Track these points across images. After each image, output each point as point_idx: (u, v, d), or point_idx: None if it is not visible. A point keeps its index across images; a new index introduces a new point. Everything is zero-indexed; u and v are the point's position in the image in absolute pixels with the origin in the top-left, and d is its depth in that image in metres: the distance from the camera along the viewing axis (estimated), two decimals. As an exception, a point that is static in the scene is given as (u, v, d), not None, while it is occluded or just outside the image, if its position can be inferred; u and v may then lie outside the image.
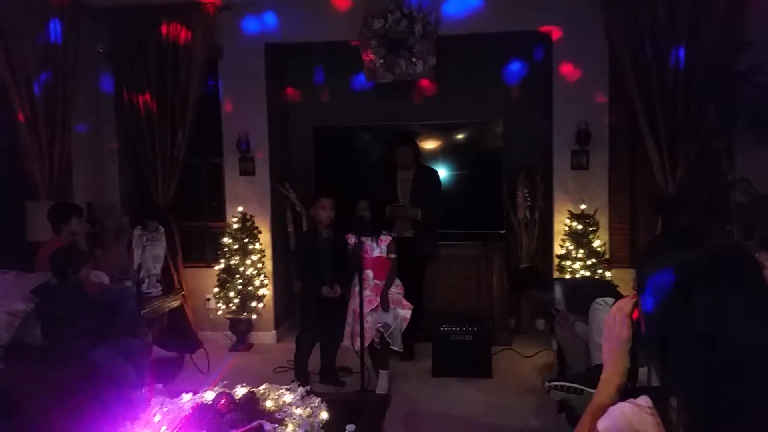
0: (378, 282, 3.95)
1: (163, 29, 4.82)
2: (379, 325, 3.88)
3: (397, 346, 3.97)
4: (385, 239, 4.00)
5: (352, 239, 3.96)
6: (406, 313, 3.96)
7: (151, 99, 4.90)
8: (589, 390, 2.62)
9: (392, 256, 4.00)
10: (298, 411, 2.29)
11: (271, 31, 4.97)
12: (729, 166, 4.55)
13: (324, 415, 2.32)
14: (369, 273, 3.95)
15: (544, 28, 4.73)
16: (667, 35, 4.32)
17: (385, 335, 3.90)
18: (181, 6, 4.82)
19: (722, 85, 4.30)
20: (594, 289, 3.44)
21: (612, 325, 1.24)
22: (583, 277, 4.41)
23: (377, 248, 3.98)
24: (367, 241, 3.95)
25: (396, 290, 3.97)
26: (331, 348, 4.17)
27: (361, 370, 3.83)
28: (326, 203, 4.04)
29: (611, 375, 1.25)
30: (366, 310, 3.83)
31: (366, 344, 3.85)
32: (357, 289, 3.85)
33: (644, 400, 1.07)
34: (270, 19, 4.95)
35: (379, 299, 3.89)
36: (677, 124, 4.37)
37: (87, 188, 4.96)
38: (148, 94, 4.90)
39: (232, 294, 4.93)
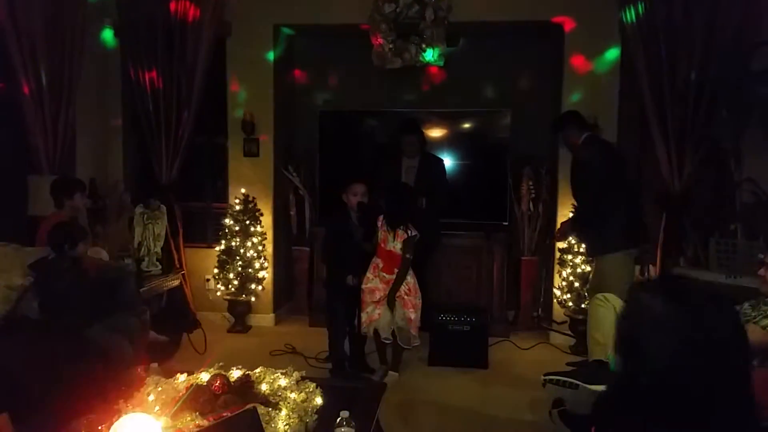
0: (386, 275, 3.83)
1: (172, 6, 4.77)
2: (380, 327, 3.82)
3: (409, 345, 3.91)
4: (402, 235, 3.80)
5: (380, 221, 3.86)
6: (410, 314, 3.84)
7: (158, 76, 4.87)
8: (585, 385, 2.61)
9: (408, 256, 3.79)
10: (293, 395, 2.29)
11: (281, 11, 4.92)
12: (736, 166, 4.51)
13: (318, 401, 2.32)
14: (379, 263, 3.86)
15: (557, 19, 4.68)
16: (681, 31, 4.26)
17: (398, 339, 3.85)
18: (191, -17, 4.77)
19: (735, 85, 4.25)
20: None
21: None
22: None
23: (392, 242, 3.82)
24: (385, 231, 3.83)
25: (405, 289, 3.83)
26: (359, 335, 3.99)
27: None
28: (358, 189, 3.86)
29: None
30: (367, 298, 3.81)
31: (366, 332, 3.86)
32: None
33: None
34: (279, -1, 4.91)
35: (385, 294, 3.81)
36: (686, 121, 4.32)
37: (90, 164, 4.95)
38: (155, 71, 4.87)
39: (231, 275, 4.93)
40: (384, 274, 3.85)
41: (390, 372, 3.97)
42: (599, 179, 3.71)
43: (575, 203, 4.16)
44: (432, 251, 4.68)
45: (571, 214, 4.36)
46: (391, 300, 3.80)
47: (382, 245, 3.85)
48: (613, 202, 3.71)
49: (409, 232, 3.81)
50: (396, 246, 3.81)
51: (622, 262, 3.77)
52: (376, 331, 3.87)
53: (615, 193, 3.72)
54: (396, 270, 3.82)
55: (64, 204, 3.83)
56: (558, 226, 4.42)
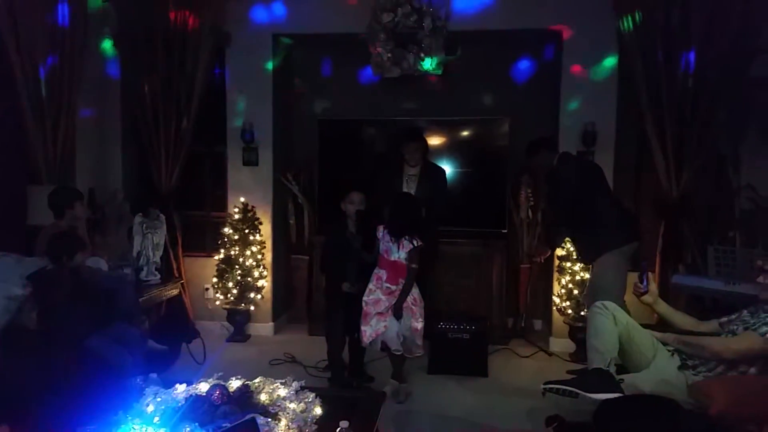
0: (390, 286, 3.75)
1: (171, 15, 4.79)
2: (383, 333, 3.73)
3: (411, 354, 3.83)
4: (407, 246, 3.72)
5: (380, 231, 3.80)
6: (417, 323, 3.76)
7: (157, 85, 4.88)
8: (585, 394, 2.60)
9: (413, 266, 3.72)
10: (292, 405, 2.29)
11: (279, 21, 4.95)
12: (734, 173, 4.52)
13: (318, 411, 2.31)
14: (383, 274, 3.78)
15: (555, 27, 4.70)
16: (679, 39, 4.28)
17: (396, 345, 3.75)
18: (190, -8, 4.79)
19: (734, 91, 4.27)
20: None
21: None
22: None
23: (396, 252, 3.74)
24: (388, 241, 3.77)
25: (411, 299, 3.76)
26: (359, 344, 3.93)
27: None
28: (355, 197, 3.85)
29: None
30: (371, 310, 3.72)
31: (367, 341, 3.82)
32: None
33: None
34: (278, 9, 4.93)
35: (389, 305, 3.73)
36: (685, 128, 4.34)
37: (89, 174, 4.95)
38: (154, 81, 4.88)
39: (230, 284, 4.93)
40: (388, 285, 3.75)
41: (390, 380, 3.94)
42: (574, 187, 3.93)
43: (553, 217, 4.41)
44: (431, 260, 4.67)
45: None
46: (398, 311, 3.72)
47: (385, 256, 3.78)
48: (596, 209, 3.91)
49: (415, 242, 3.75)
50: (401, 256, 3.74)
51: (616, 262, 3.85)
52: (384, 344, 3.78)
53: (595, 199, 3.92)
54: (401, 280, 3.73)
55: (65, 214, 3.81)
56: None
